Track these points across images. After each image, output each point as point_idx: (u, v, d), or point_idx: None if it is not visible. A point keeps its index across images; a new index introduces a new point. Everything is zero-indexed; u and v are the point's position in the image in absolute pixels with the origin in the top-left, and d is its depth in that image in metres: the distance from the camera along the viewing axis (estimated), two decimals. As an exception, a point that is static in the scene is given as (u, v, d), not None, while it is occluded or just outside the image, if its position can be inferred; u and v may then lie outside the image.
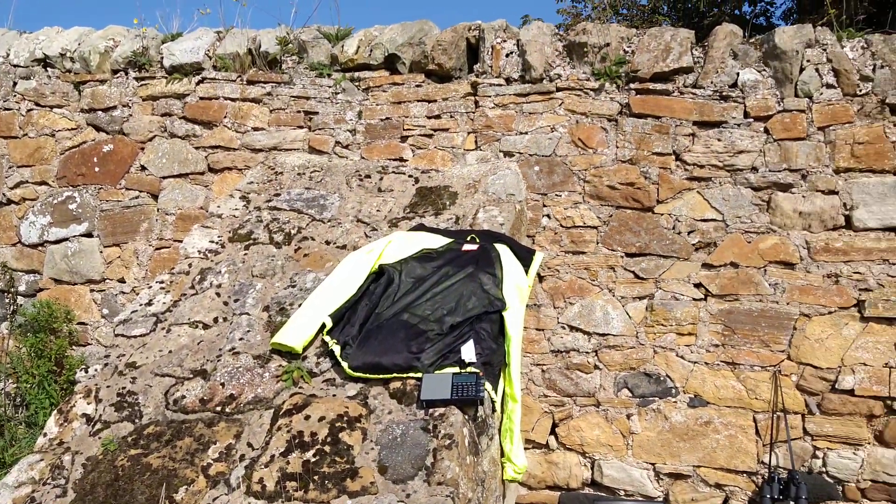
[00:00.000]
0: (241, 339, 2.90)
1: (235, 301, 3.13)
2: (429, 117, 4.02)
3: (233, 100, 4.23)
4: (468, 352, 2.57)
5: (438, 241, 3.10)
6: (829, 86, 3.56)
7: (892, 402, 3.44)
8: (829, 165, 3.56)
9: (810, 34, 3.59)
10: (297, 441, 2.38)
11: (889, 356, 3.46)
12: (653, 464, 3.67)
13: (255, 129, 4.19)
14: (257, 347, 2.85)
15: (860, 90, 3.54)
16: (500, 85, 3.95)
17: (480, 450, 2.48)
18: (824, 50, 3.58)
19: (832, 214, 3.54)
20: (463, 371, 2.51)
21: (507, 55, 3.96)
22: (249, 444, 2.45)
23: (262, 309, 3.06)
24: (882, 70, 3.51)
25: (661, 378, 3.67)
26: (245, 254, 3.43)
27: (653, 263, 3.71)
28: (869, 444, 3.49)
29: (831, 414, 3.51)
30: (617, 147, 3.77)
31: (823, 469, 3.52)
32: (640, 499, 3.67)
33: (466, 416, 2.42)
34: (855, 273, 3.51)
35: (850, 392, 3.49)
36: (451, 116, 3.99)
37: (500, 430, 2.72)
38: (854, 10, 4.27)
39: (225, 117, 4.22)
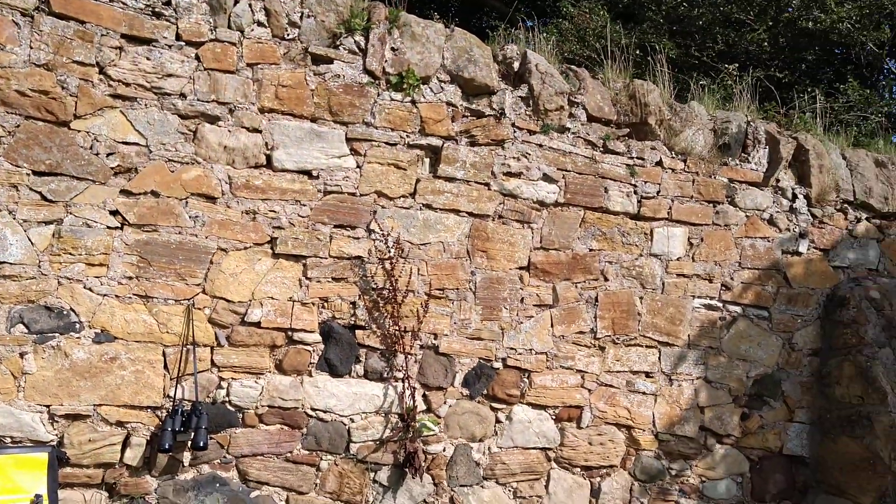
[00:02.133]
0: None
1: None
2: None
3: None
4: None
5: None
6: (260, 24, 3.84)
7: (293, 334, 3.89)
8: (255, 103, 3.84)
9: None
10: None
11: (294, 291, 3.90)
12: (48, 406, 3.54)
13: None
14: None
15: (288, 34, 3.90)
16: None
17: None
18: (261, -13, 3.85)
19: (255, 152, 3.84)
20: None
21: None
22: None
23: None
24: (308, 20, 3.92)
25: (65, 312, 3.56)
26: None
27: (64, 185, 3.56)
28: (270, 372, 3.88)
29: (238, 345, 3.82)
30: (31, 48, 3.53)
31: (227, 398, 3.81)
32: (30, 444, 3.54)
33: None
34: (271, 211, 3.86)
35: (257, 324, 3.83)
36: None
37: None
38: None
39: None
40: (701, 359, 4.61)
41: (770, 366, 4.75)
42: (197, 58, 3.73)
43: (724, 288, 4.68)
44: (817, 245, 4.86)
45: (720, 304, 4.67)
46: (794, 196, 4.83)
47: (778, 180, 4.81)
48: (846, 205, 4.91)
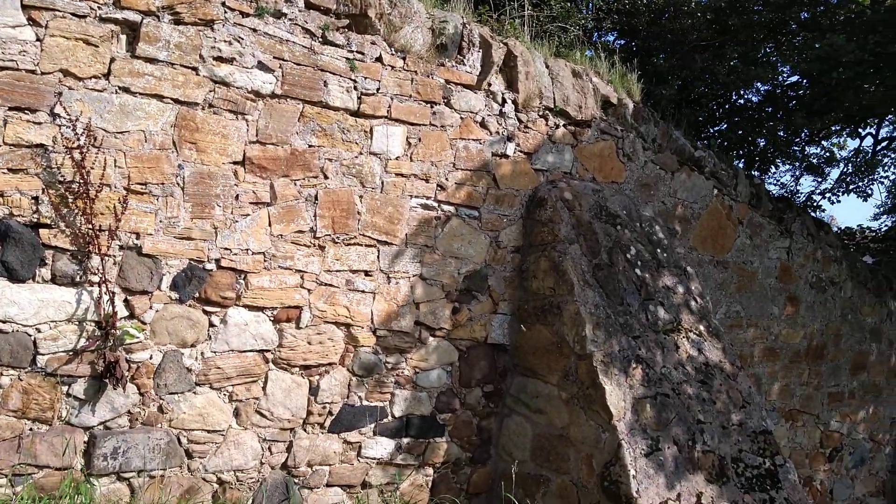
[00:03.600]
0: None
1: None
2: None
3: None
4: None
5: None
6: None
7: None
8: None
9: None
10: None
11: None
12: None
13: None
14: None
15: None
16: None
17: None
18: None
19: None
20: None
21: None
22: None
23: None
24: None
25: None
26: None
27: None
28: (-74, 281, 3.44)
29: None
30: None
31: None
32: None
33: None
34: (-82, 83, 3.33)
35: None
36: None
37: None
38: None
39: None
40: (417, 257, 4.96)
41: (479, 262, 5.26)
42: None
43: (439, 188, 5.03)
44: (522, 148, 5.40)
45: (435, 204, 5.02)
46: (504, 101, 5.29)
47: (490, 84, 5.22)
48: (547, 111, 5.50)
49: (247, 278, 4.32)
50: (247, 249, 4.30)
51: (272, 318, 4.43)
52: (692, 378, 5.20)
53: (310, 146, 4.49)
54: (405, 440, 4.98)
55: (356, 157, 4.67)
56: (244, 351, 4.35)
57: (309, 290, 4.54)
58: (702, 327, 5.55)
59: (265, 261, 4.38)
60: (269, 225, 4.37)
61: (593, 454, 4.74)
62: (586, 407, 4.85)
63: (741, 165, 8.81)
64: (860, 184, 18.31)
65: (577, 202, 5.41)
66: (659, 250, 5.69)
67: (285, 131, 4.39)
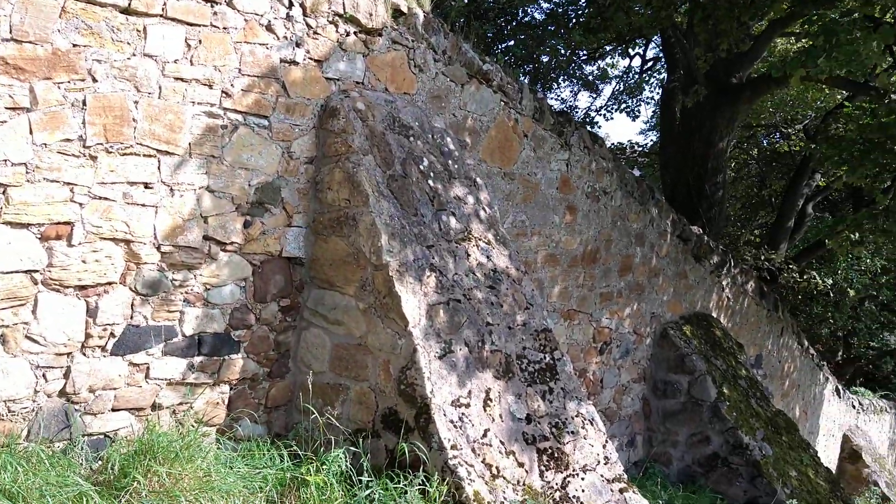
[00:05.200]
0: None
1: None
2: None
3: None
4: None
5: None
6: None
7: None
8: None
9: None
10: None
11: None
12: None
13: None
14: None
15: None
16: None
17: None
18: None
19: None
20: None
21: None
22: None
23: None
24: None
25: None
26: None
27: None
28: None
29: None
30: None
31: None
32: None
33: None
34: None
35: None
36: None
37: None
38: None
39: None
40: (203, 167, 4.75)
41: (271, 174, 5.15)
42: None
43: (224, 95, 4.81)
44: (313, 56, 5.28)
45: (221, 112, 4.80)
46: (291, 3, 5.10)
47: (276, -15, 5.01)
48: (337, 17, 5.39)
49: (7, 192, 3.93)
50: (5, 160, 3.89)
51: (39, 236, 4.09)
52: (482, 284, 5.54)
53: (74, 46, 4.09)
54: (198, 359, 4.88)
55: (129, 59, 4.32)
56: (8, 272, 3.99)
57: (81, 205, 4.22)
58: (490, 236, 5.90)
59: (28, 172, 3.99)
60: (31, 133, 3.97)
61: (390, 360, 4.95)
62: (383, 315, 5.01)
63: (527, 81, 9.26)
64: (630, 102, 20.07)
65: (370, 113, 5.43)
66: (450, 162, 5.91)
67: (45, 28, 3.96)
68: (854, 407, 20.63)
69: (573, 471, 5.17)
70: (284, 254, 5.31)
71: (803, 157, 17.89)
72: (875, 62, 9.54)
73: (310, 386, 4.97)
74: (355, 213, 5.19)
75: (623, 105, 19.75)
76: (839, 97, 17.16)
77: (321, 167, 5.38)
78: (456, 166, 5.94)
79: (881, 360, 25.12)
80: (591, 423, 5.56)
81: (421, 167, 5.59)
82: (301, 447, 4.78)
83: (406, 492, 4.32)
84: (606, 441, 5.58)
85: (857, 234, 13.03)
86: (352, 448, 4.76)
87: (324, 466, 4.42)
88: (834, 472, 17.61)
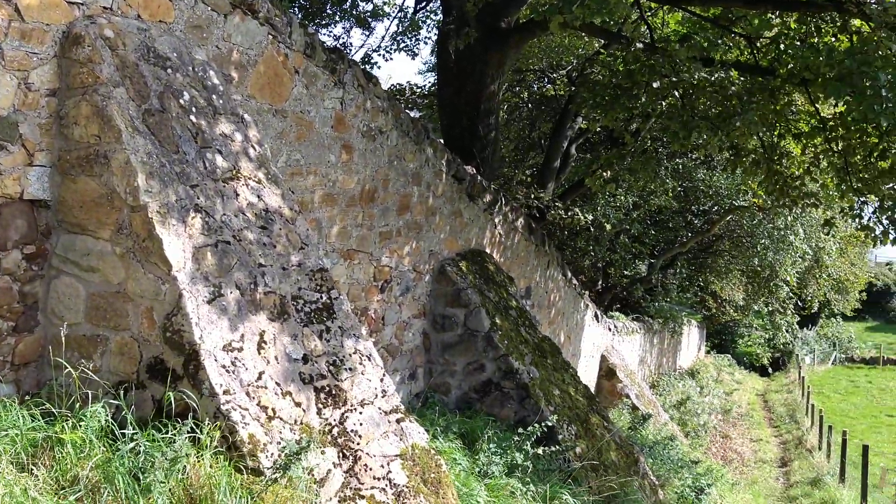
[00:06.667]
0: None
1: None
2: None
3: None
4: None
5: None
6: None
7: None
8: None
9: None
10: None
11: None
12: None
13: None
14: None
15: None
16: None
17: None
18: None
19: None
20: None
21: None
22: None
23: None
24: None
25: None
26: None
27: None
28: None
29: None
30: None
31: None
32: None
33: None
34: None
35: None
36: None
37: None
38: None
39: None
40: (-86, 98, 4.12)
41: (6, 107, 4.59)
42: None
43: (-63, 13, 4.18)
44: (48, -26, 4.73)
45: (-66, 33, 4.17)
46: (18, -89, 4.51)
47: None
48: (76, -69, 4.85)
49: None
50: None
51: None
52: (253, 224, 5.39)
53: None
54: (-77, 317, 4.32)
55: None
56: None
57: None
58: (261, 175, 5.73)
59: None
60: None
61: (154, 307, 4.70)
62: (144, 260, 4.73)
63: (299, 16, 8.98)
64: (409, 42, 20.24)
65: (120, 41, 5.00)
66: (214, 97, 5.62)
67: None
68: (610, 330, 23.00)
69: (351, 406, 5.28)
70: (26, 196, 4.80)
71: (566, 101, 19.18)
72: (624, 13, 10.39)
73: (63, 339, 4.60)
74: (107, 151, 4.80)
75: (402, 45, 19.90)
76: (597, 45, 18.48)
77: (66, 100, 4.89)
78: (221, 101, 5.67)
79: (633, 287, 28.10)
80: (369, 359, 5.68)
81: (181, 101, 5.26)
82: (55, 405, 4.43)
83: (174, 440, 4.17)
84: (384, 375, 5.75)
85: (608, 173, 14.29)
86: (113, 402, 4.50)
87: (81, 423, 4.14)
88: (593, 388, 19.59)
